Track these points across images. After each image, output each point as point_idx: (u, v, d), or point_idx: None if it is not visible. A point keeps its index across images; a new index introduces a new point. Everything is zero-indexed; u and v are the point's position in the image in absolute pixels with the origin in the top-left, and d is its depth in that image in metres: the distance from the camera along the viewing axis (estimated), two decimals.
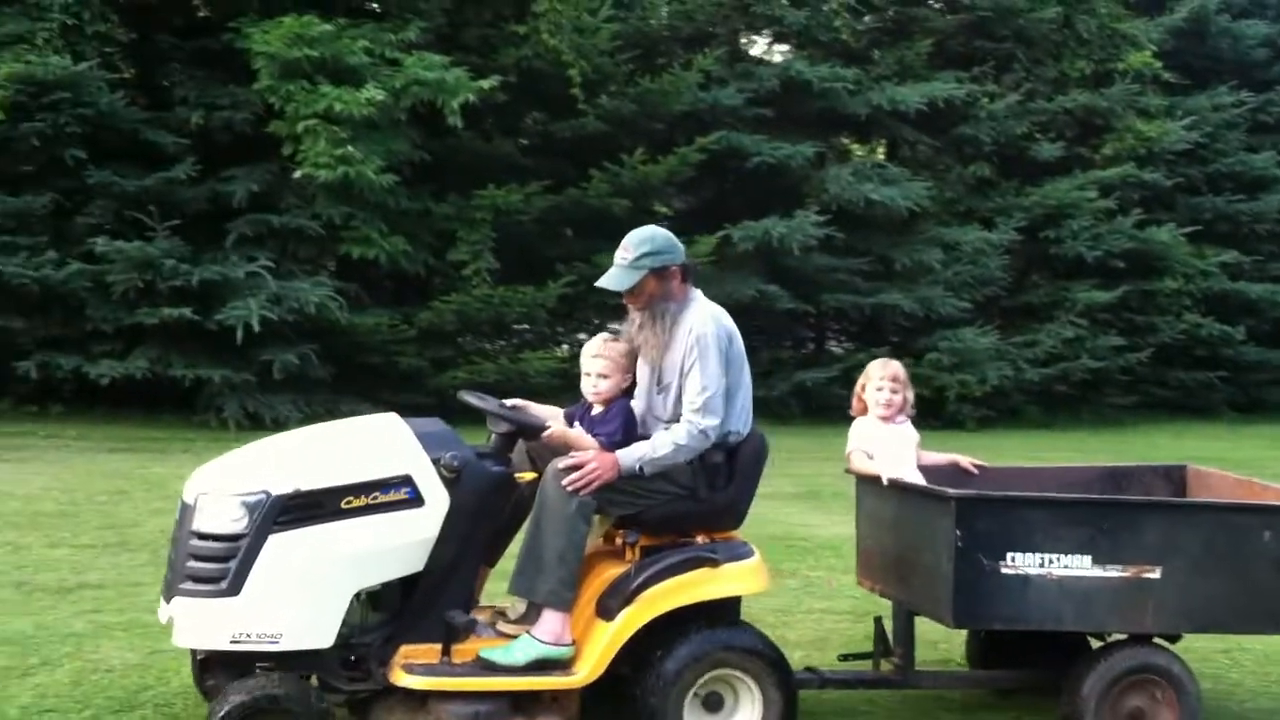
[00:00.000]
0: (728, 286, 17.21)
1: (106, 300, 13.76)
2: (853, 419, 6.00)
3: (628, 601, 4.95)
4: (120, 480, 10.62)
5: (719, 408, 5.05)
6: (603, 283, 5.24)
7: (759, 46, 21.70)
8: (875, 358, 18.02)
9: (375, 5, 16.77)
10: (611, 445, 5.06)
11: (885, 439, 5.83)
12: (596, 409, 5.28)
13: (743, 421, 5.25)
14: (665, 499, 5.10)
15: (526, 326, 17.05)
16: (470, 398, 5.29)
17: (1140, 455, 13.53)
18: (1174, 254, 20.59)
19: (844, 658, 5.95)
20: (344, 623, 4.83)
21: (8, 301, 13.55)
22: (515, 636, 4.96)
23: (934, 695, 6.06)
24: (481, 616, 5.20)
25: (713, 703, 5.06)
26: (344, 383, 14.95)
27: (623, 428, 5.17)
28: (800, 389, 17.82)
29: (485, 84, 14.78)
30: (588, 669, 4.89)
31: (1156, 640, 5.51)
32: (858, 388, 5.97)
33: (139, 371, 13.62)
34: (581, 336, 19.11)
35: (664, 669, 4.94)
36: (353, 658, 4.89)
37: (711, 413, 5.03)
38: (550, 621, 4.94)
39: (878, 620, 5.86)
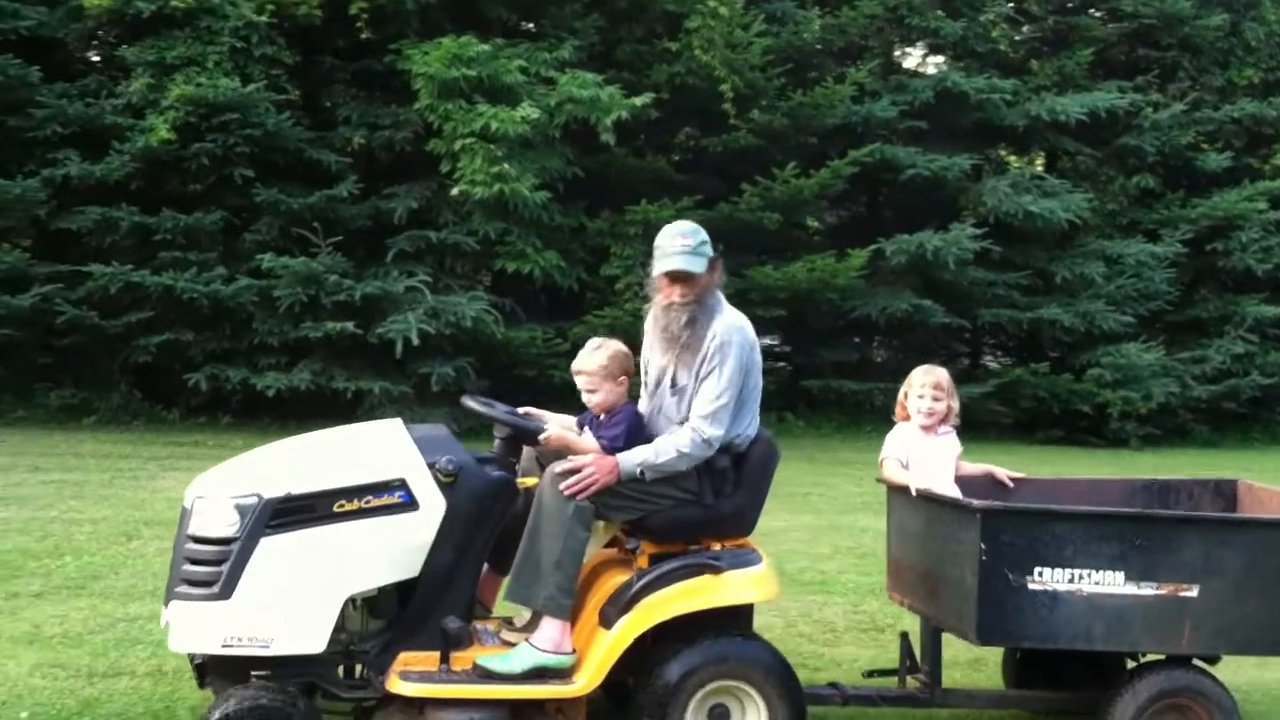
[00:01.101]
0: (880, 301, 17.07)
1: (273, 314, 14.17)
2: (894, 425, 5.86)
3: (626, 609, 4.88)
4: None
5: (726, 418, 4.97)
6: (678, 265, 5.06)
7: (913, 58, 21.45)
8: (1034, 373, 17.65)
9: (531, 25, 17.02)
10: (613, 450, 4.98)
11: (924, 448, 5.67)
12: (603, 415, 5.24)
13: (751, 426, 5.16)
14: (670, 504, 5.00)
15: None
16: (470, 402, 5.25)
17: None
18: None
19: (869, 674, 5.80)
20: (343, 629, 4.83)
21: (180, 315, 14.05)
22: (516, 644, 4.91)
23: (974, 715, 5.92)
24: (490, 625, 5.17)
25: (718, 714, 4.96)
26: (498, 396, 14.99)
27: (626, 432, 5.08)
28: None
29: (638, 101, 14.89)
30: (586, 678, 4.81)
31: (1196, 662, 5.30)
32: (901, 394, 5.84)
33: (303, 383, 13.99)
34: None
35: (664, 679, 4.86)
36: (352, 665, 4.88)
37: (719, 423, 4.94)
38: (549, 629, 4.87)
39: (904, 635, 5.71)
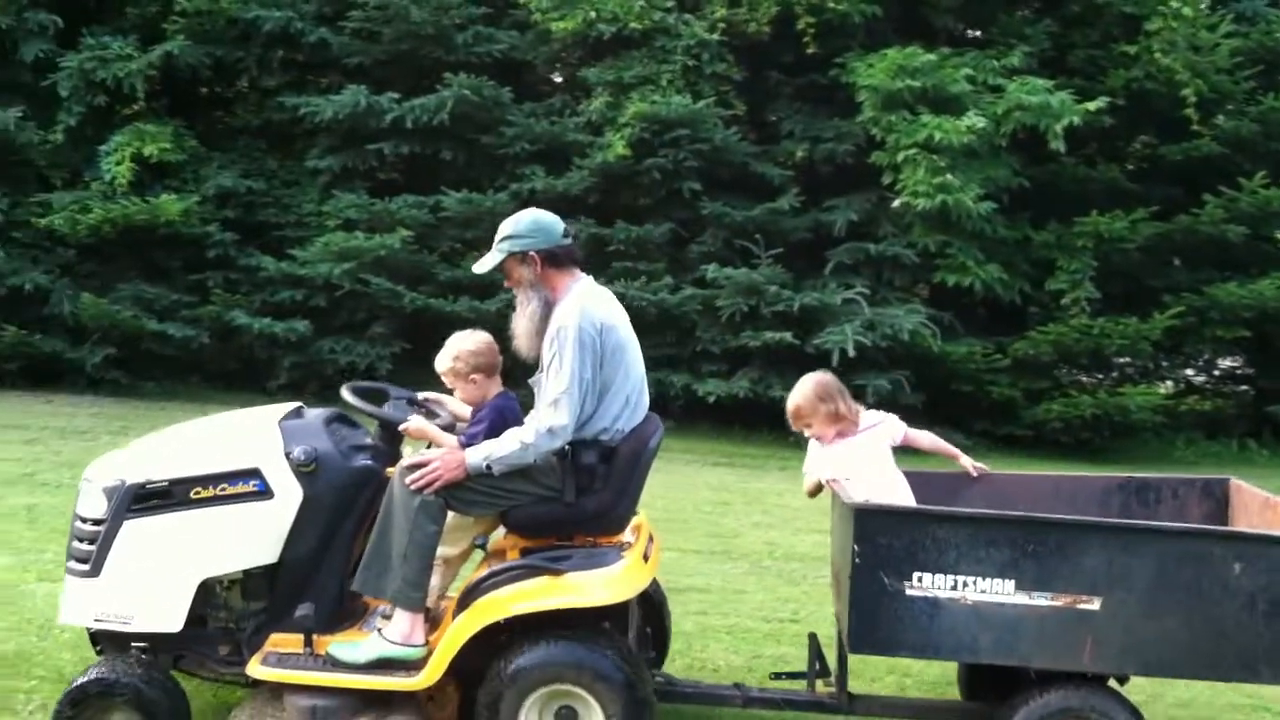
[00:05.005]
0: None
1: (715, 323, 14.61)
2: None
3: (463, 608, 4.84)
4: (724, 492, 11.24)
5: (570, 406, 4.77)
6: (474, 267, 5.28)
7: None
8: None
9: (978, 33, 16.71)
10: (469, 444, 4.90)
11: (838, 457, 5.33)
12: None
13: (621, 419, 4.94)
14: (529, 500, 4.89)
15: (1128, 360, 16.25)
16: (345, 391, 5.25)
17: None
18: None
19: (776, 676, 5.49)
20: (225, 608, 5.07)
21: (630, 322, 14.71)
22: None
23: None
24: (388, 607, 5.10)
25: (564, 716, 4.79)
26: (935, 410, 14.93)
27: (488, 429, 5.00)
28: None
29: (1091, 106, 14.30)
30: (426, 673, 4.79)
31: (1111, 682, 4.90)
32: None
33: (741, 391, 14.32)
34: (1189, 372, 17.97)
35: (495, 679, 4.78)
36: (233, 643, 5.04)
37: (561, 411, 4.78)
38: (400, 621, 4.88)
39: (812, 637, 5.36)
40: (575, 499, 4.92)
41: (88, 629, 5.29)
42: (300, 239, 15.63)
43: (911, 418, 14.96)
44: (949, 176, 13.97)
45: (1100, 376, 16.42)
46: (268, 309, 15.39)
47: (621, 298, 14.50)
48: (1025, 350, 14.83)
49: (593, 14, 15.24)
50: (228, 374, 15.67)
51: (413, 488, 4.82)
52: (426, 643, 4.91)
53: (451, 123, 15.27)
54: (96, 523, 5.01)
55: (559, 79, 17.51)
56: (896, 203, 14.68)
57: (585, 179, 15.09)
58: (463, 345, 5.37)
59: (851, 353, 13.77)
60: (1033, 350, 14.80)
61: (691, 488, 11.41)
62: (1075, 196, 15.65)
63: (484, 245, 17.34)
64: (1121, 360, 16.26)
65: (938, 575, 4.68)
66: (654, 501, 10.49)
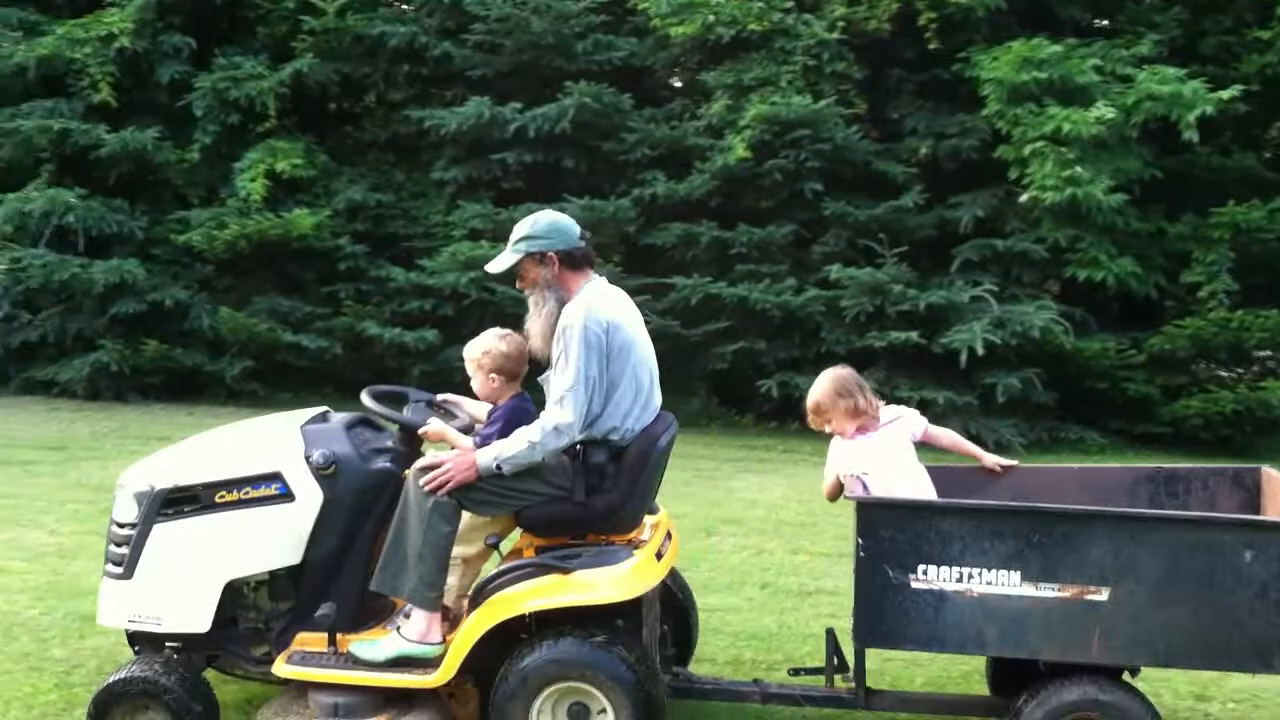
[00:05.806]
0: None
1: (839, 324, 14.51)
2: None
3: (475, 606, 4.93)
4: None
5: (576, 404, 4.84)
6: (488, 266, 5.29)
7: None
8: None
9: (1106, 22, 16.37)
10: (483, 445, 4.95)
11: (860, 453, 5.29)
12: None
13: (631, 417, 4.93)
14: (540, 500, 4.94)
15: (1269, 353, 15.75)
16: (364, 396, 5.34)
17: None
18: None
19: (795, 672, 5.45)
20: (254, 608, 5.27)
21: (754, 324, 14.70)
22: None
23: None
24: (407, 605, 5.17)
25: (577, 712, 4.90)
26: (1068, 408, 14.67)
27: (501, 429, 5.03)
28: None
29: (1224, 95, 13.91)
30: (440, 671, 4.89)
31: (1125, 675, 4.90)
32: None
33: None
34: None
35: (507, 676, 4.85)
36: (264, 643, 5.19)
37: (568, 409, 4.84)
38: (417, 620, 5.00)
39: (829, 633, 5.29)
40: (586, 498, 4.99)
41: (125, 630, 5.48)
42: (428, 249, 15.90)
43: (1044, 416, 14.79)
44: (1078, 169, 13.70)
45: (1240, 371, 15.93)
46: (398, 319, 15.68)
47: (745, 301, 14.73)
48: (1161, 345, 14.47)
49: (711, 17, 15.24)
50: (360, 383, 15.92)
51: (426, 489, 4.93)
52: (444, 641, 5.03)
53: (573, 130, 15.41)
54: (130, 527, 5.21)
55: (678, 83, 17.57)
56: (1024, 197, 14.43)
57: (707, 182, 15.11)
58: (496, 345, 5.45)
59: (980, 351, 13.57)
60: (1169, 345, 14.43)
61: (819, 490, 11.32)
62: (1210, 187, 15.21)
63: (606, 250, 17.47)
64: (1263, 354, 15.76)
65: (943, 568, 4.72)
66: (785, 504, 10.53)
